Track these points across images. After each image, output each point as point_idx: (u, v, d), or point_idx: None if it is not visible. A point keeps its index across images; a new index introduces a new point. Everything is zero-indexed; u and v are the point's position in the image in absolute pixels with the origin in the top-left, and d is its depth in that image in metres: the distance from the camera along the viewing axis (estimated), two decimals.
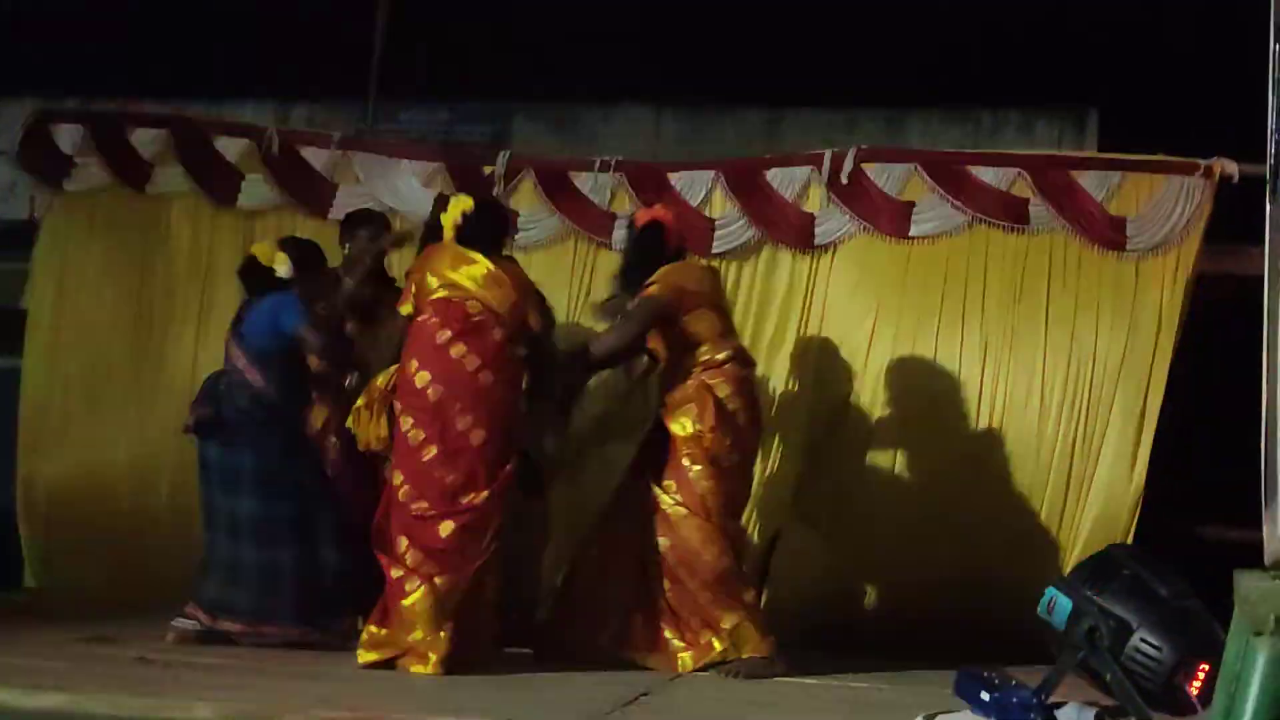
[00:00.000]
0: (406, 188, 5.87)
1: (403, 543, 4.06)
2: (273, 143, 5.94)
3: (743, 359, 4.54)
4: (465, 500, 4.02)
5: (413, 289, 4.23)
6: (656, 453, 4.39)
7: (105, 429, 5.86)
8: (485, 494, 4.04)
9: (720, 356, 4.41)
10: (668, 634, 4.32)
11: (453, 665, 3.97)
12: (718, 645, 4.24)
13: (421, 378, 4.08)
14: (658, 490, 4.32)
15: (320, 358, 4.51)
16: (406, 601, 4.00)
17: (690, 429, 4.29)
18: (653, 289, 4.41)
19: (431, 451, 4.03)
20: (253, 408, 4.41)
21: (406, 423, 4.09)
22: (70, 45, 7.88)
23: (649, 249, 4.57)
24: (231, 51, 7.74)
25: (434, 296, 4.14)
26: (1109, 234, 5.30)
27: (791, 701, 3.90)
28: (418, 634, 3.98)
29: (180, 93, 7.39)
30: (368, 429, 4.22)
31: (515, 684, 3.95)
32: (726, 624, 4.24)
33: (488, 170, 5.87)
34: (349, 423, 4.30)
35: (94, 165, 5.99)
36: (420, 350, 4.10)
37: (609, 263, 5.76)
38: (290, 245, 4.68)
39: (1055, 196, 5.36)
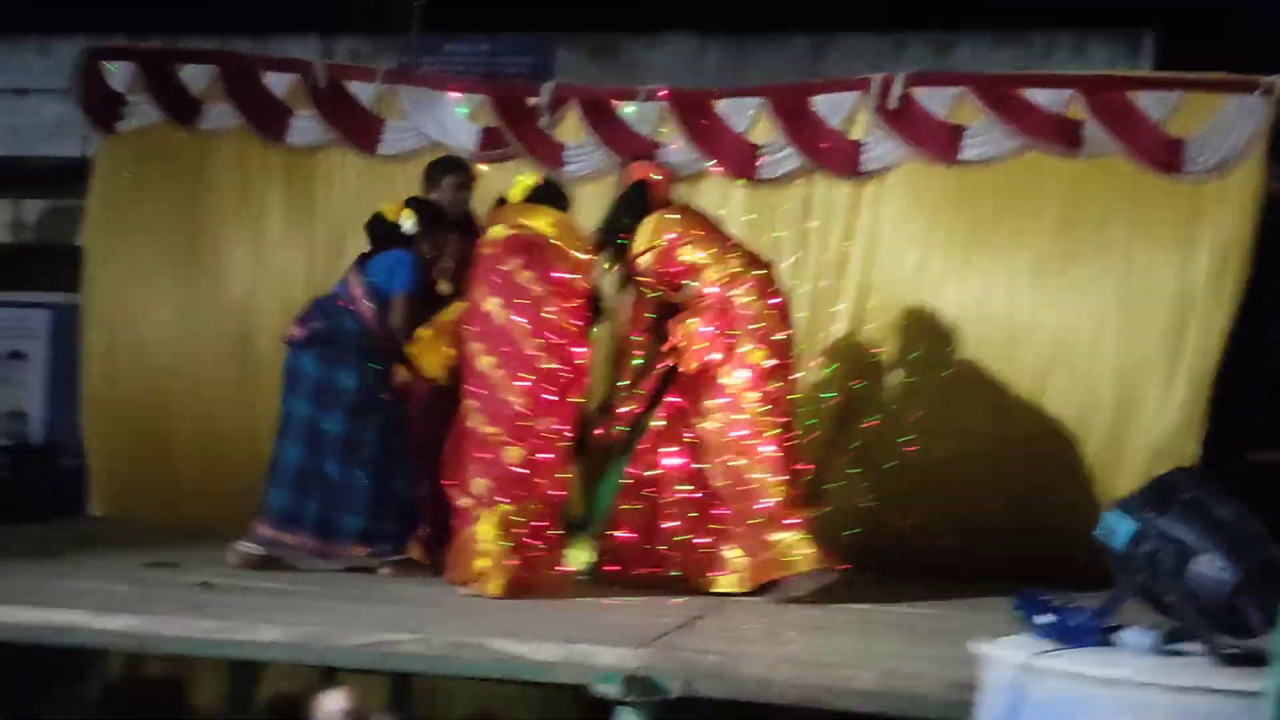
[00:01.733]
0: (452, 120, 5.88)
1: (471, 469, 4.12)
2: (319, 77, 5.94)
3: (752, 263, 4.46)
4: (533, 425, 4.07)
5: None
6: (686, 380, 4.37)
7: (163, 360, 5.96)
8: (554, 420, 4.09)
9: (722, 277, 4.35)
10: (727, 554, 4.35)
11: (516, 592, 4.05)
12: (774, 559, 4.24)
13: (490, 303, 4.13)
14: (698, 413, 4.33)
15: (387, 335, 4.56)
16: (473, 529, 4.07)
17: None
18: (640, 261, 4.40)
19: (500, 376, 4.08)
20: (359, 334, 4.53)
21: (477, 349, 4.14)
22: None
23: (633, 208, 4.53)
24: None
25: (503, 236, 4.18)
26: (1166, 156, 5.19)
27: (843, 625, 3.92)
28: (483, 561, 4.05)
29: (225, 29, 7.42)
30: (431, 356, 4.29)
31: (571, 608, 4.01)
32: (778, 537, 4.23)
33: (532, 101, 5.84)
34: (408, 349, 4.38)
35: (145, 103, 6.03)
36: (489, 279, 4.16)
37: None
38: (415, 204, 4.76)
39: (1110, 118, 5.26)
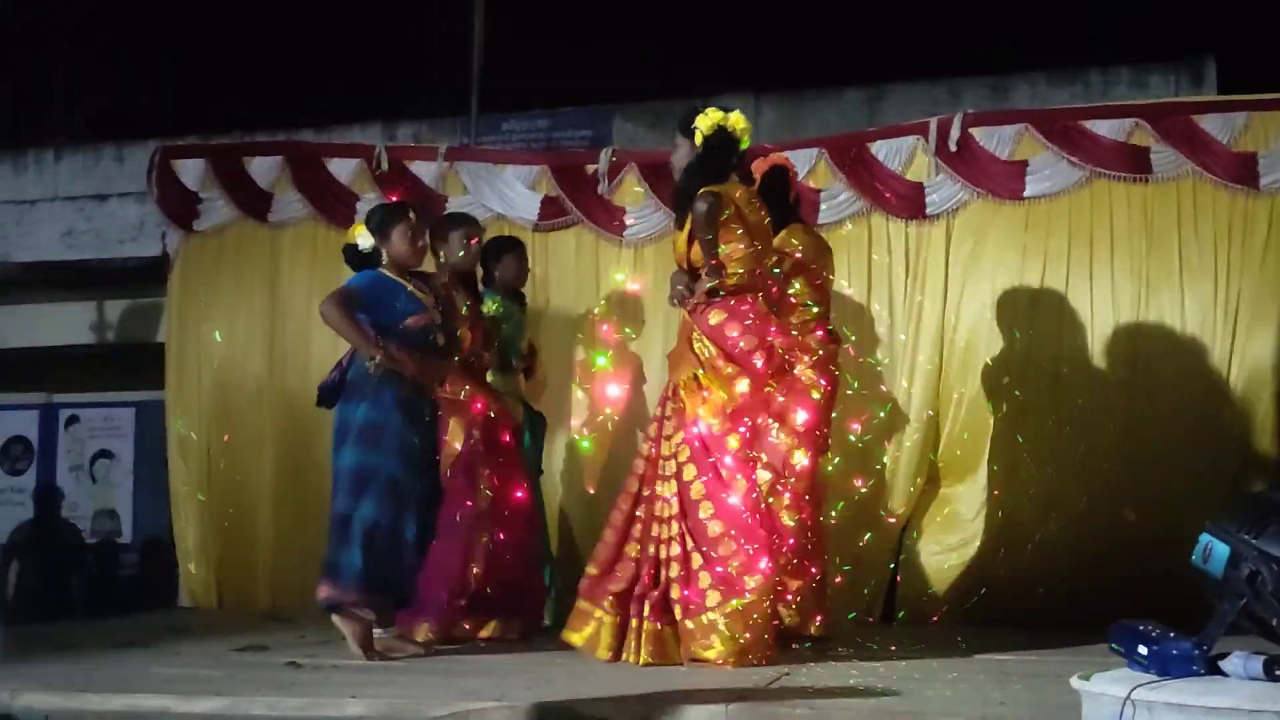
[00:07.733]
0: (512, 193, 5.96)
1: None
2: (381, 160, 6.07)
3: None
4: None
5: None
6: None
7: (246, 450, 6.04)
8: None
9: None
10: None
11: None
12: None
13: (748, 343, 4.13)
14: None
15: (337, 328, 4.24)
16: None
17: None
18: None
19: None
20: (372, 369, 4.20)
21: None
22: (181, 87, 8.17)
23: (772, 194, 4.46)
24: (335, 78, 7.96)
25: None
26: (1238, 171, 5.08)
27: (935, 675, 3.80)
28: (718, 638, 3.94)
29: (290, 123, 7.66)
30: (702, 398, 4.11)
31: (659, 669, 3.93)
32: None
33: (590, 169, 5.91)
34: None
35: (219, 200, 6.17)
36: (740, 324, 4.15)
37: None
38: (368, 215, 4.53)
39: (1177, 140, 5.18)
